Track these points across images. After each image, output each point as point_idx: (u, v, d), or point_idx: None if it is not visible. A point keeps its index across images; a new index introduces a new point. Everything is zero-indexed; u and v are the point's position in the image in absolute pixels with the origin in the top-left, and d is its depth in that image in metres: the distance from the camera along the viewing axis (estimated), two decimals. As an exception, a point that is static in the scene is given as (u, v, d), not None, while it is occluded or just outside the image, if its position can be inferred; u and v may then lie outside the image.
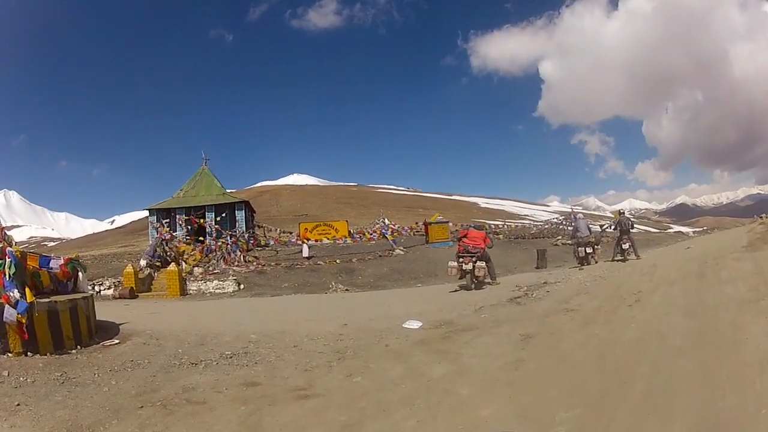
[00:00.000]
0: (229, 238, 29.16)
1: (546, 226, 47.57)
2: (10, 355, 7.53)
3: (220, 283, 22.04)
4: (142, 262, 24.49)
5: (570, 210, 59.55)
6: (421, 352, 7.27)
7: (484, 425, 4.64)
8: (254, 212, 39.33)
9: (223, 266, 25.54)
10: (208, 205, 33.29)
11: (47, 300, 8.47)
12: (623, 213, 21.03)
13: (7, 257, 8.31)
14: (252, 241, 31.58)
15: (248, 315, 13.62)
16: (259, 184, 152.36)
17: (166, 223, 32.07)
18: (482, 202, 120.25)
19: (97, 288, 21.53)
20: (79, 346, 8.40)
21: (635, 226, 20.78)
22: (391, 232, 33.92)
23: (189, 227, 32.40)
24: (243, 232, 31.73)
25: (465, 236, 15.32)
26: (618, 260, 18.91)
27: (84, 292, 10.51)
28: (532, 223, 57.71)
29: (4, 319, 7.52)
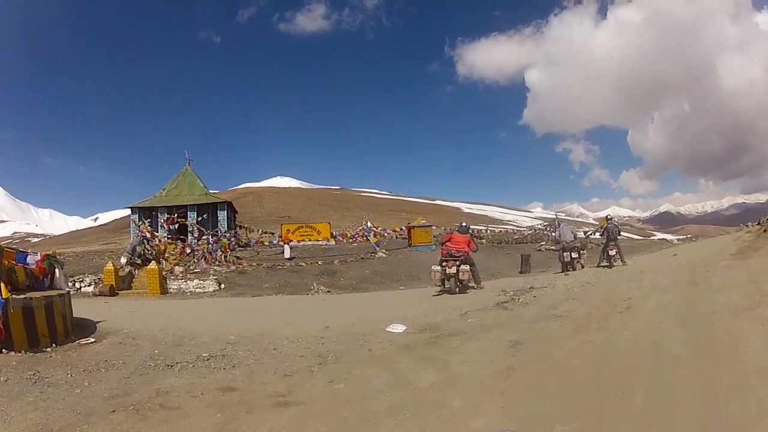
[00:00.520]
0: (210, 237, 28.78)
1: (529, 232, 47.47)
2: (-16, 352, 7.19)
3: (201, 282, 21.77)
4: (123, 260, 24.21)
5: (554, 216, 59.49)
6: (406, 358, 6.93)
7: (477, 438, 4.35)
8: (236, 213, 39.27)
9: (204, 266, 25.18)
10: (190, 205, 33.08)
11: (22, 297, 8.09)
12: (611, 219, 20.90)
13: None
14: (233, 240, 31.25)
15: (228, 315, 13.23)
16: (242, 186, 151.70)
17: (148, 222, 31.61)
18: (465, 207, 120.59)
19: (77, 285, 21.39)
20: (54, 344, 8.08)
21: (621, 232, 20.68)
22: (374, 234, 33.69)
23: (170, 227, 31.97)
24: (224, 232, 31.44)
25: (449, 240, 15.02)
26: (604, 266, 18.76)
27: (61, 289, 10.18)
28: (515, 228, 57.63)
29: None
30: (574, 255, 19.11)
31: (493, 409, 4.91)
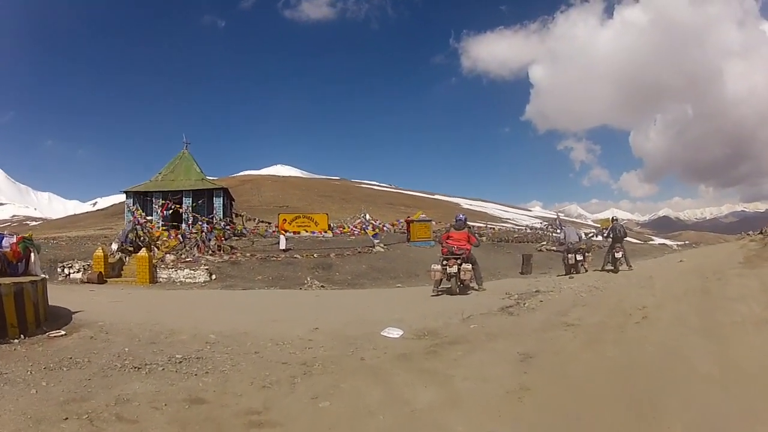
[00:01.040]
0: (205, 225, 28.12)
1: (530, 231, 46.71)
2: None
3: (192, 272, 21.18)
4: (114, 246, 23.79)
5: (554, 216, 58.62)
6: (403, 370, 6.14)
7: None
8: (233, 200, 38.66)
9: (197, 254, 24.51)
10: (185, 191, 32.56)
11: (-10, 282, 7.47)
12: (616, 220, 20.32)
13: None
14: (228, 228, 30.69)
15: (213, 310, 12.47)
16: (241, 173, 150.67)
17: (142, 207, 31.16)
18: (465, 203, 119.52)
19: (66, 271, 21.05)
20: (23, 336, 7.53)
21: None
22: (372, 227, 33.03)
23: (165, 212, 31.63)
24: (220, 220, 30.79)
25: (448, 237, 14.26)
26: (608, 270, 18.27)
27: (35, 275, 9.59)
28: (514, 226, 56.84)
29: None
30: (579, 257, 18.55)
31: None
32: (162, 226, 30.38)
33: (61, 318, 9.09)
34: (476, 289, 13.77)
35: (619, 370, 5.69)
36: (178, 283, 20.33)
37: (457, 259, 13.39)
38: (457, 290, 13.23)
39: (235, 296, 16.36)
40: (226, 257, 24.43)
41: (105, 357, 6.72)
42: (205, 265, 22.07)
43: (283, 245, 27.48)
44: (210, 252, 25.17)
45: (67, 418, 4.63)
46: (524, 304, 10.66)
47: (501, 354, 6.64)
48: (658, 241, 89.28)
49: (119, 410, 4.88)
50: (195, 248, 25.43)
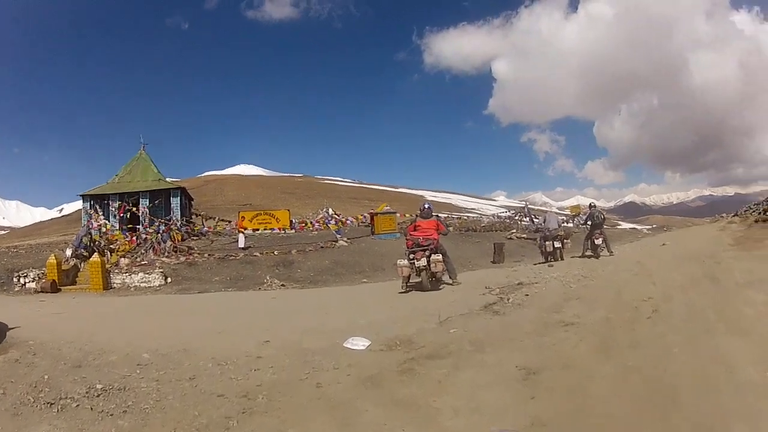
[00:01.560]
0: (161, 226, 26.54)
1: (497, 220, 45.79)
2: None
3: (146, 276, 19.55)
4: (68, 252, 22.21)
5: (523, 204, 57.79)
6: (371, 402, 4.64)
7: None
8: (192, 200, 37.44)
9: (152, 257, 22.90)
10: (142, 192, 31.22)
11: None
12: (594, 206, 19.41)
13: None
14: (185, 229, 29.17)
15: (157, 319, 10.97)
16: (205, 174, 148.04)
17: (101, 210, 29.87)
18: (429, 195, 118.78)
19: (22, 281, 19.50)
20: None
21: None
22: (336, 222, 31.73)
23: (122, 215, 30.11)
24: (177, 220, 29.46)
25: (415, 228, 12.83)
26: (588, 256, 17.63)
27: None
28: (479, 215, 56.00)
29: None
30: (557, 244, 17.51)
31: None
32: (119, 229, 28.60)
33: (-5, 336, 7.84)
34: (450, 284, 12.36)
35: (653, 387, 4.43)
36: (133, 288, 18.91)
37: (424, 250, 11.95)
38: (429, 285, 11.78)
39: (186, 301, 14.88)
40: (182, 258, 22.82)
41: (21, 387, 5.46)
42: (159, 268, 20.50)
43: (242, 243, 26.03)
44: (165, 254, 23.57)
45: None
46: (508, 299, 9.23)
47: (495, 370, 5.23)
48: (626, 225, 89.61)
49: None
50: (150, 250, 23.85)
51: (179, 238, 26.95)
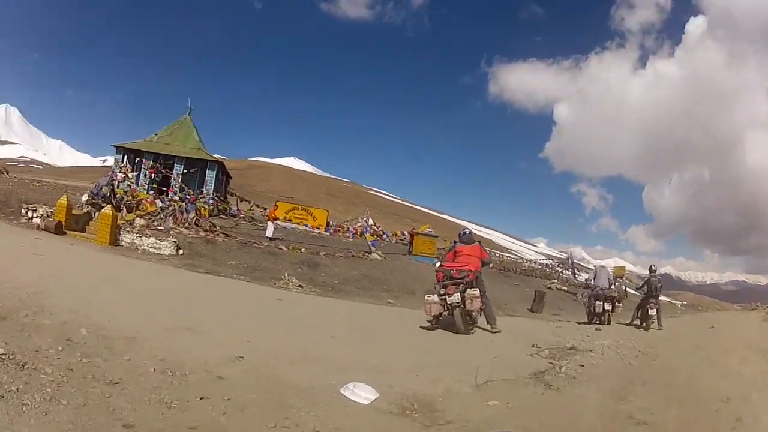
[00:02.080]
0: (187, 195, 25.51)
1: (538, 266, 43.83)
2: None
3: (157, 242, 18.22)
4: (84, 198, 21.40)
5: (566, 255, 54.65)
6: None
7: None
8: (230, 177, 36.74)
9: (171, 225, 21.72)
10: (178, 157, 30.37)
11: None
12: (654, 271, 17.34)
13: None
14: (213, 204, 28.15)
15: (133, 291, 9.42)
16: (253, 158, 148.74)
17: (131, 166, 29.01)
18: (472, 226, 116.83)
19: (30, 213, 18.78)
20: None
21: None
22: (373, 233, 30.35)
23: (153, 176, 29.54)
24: (208, 194, 28.60)
25: (455, 254, 10.97)
26: (636, 325, 15.98)
27: None
28: (519, 258, 54.06)
29: None
30: (608, 306, 15.64)
31: None
32: (146, 189, 28.08)
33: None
34: (488, 330, 10.48)
35: None
36: (140, 251, 17.55)
37: (458, 284, 9.90)
38: (463, 328, 9.74)
39: (185, 278, 13.36)
40: (201, 234, 21.58)
41: None
42: (173, 237, 19.24)
43: (270, 233, 24.73)
44: (186, 225, 22.39)
45: None
46: (561, 367, 7.33)
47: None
48: (662, 298, 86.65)
49: None
50: (170, 217, 22.71)
51: (206, 213, 25.93)
